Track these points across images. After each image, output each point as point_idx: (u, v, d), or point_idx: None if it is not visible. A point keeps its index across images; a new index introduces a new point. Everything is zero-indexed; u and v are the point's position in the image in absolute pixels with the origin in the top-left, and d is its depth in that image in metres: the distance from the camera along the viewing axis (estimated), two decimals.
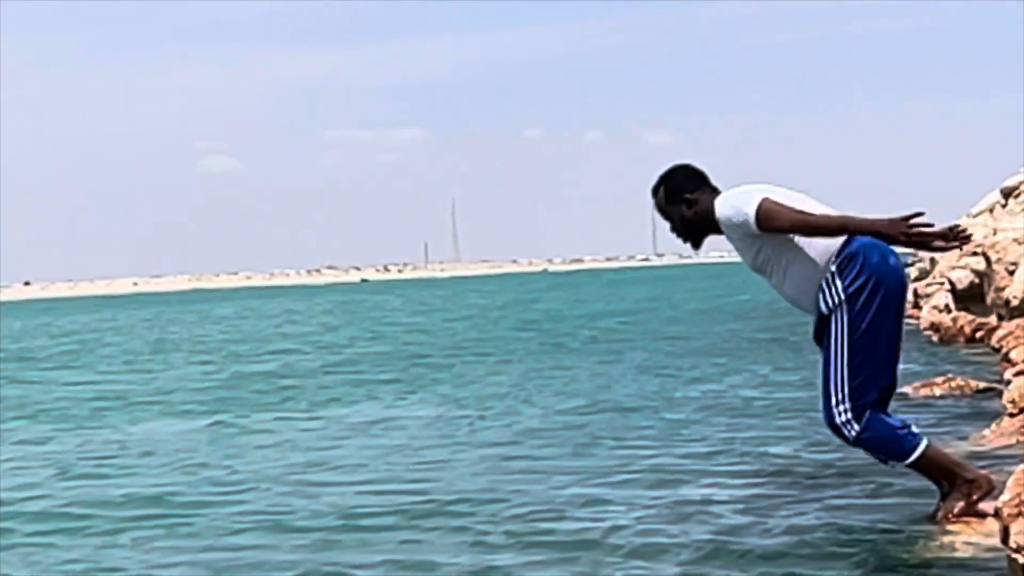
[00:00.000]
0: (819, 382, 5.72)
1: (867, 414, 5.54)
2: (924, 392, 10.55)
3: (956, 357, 14.05)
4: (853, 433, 5.57)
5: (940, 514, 5.65)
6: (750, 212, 5.51)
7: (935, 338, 16.14)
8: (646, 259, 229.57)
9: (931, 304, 17.84)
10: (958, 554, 5.25)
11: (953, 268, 17.04)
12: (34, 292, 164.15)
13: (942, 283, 18.05)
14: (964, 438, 8.09)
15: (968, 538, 5.43)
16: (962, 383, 10.73)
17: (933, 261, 21.66)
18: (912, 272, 25.79)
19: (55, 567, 5.86)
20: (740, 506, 6.50)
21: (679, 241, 5.92)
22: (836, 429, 5.62)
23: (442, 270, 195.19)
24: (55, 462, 9.34)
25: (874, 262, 5.54)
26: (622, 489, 7.19)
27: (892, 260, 5.63)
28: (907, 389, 10.68)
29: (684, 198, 5.77)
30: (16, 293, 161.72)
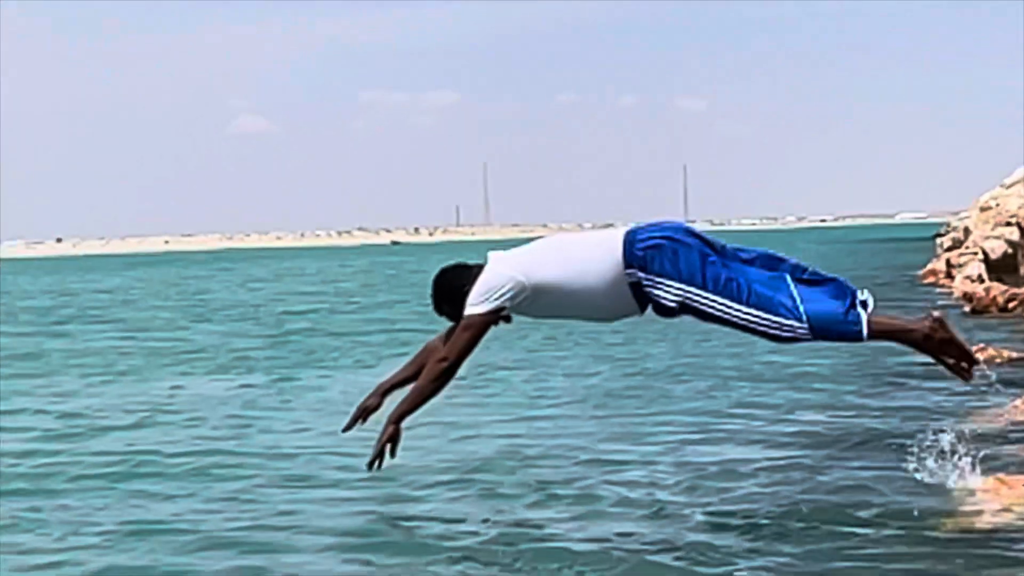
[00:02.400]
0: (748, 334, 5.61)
1: (796, 302, 5.45)
2: None
3: (989, 327, 13.95)
4: (800, 331, 5.48)
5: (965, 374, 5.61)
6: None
7: (968, 308, 16.03)
8: None
9: (964, 274, 17.70)
10: (984, 523, 5.20)
11: (987, 238, 16.91)
12: (66, 249, 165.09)
13: (975, 253, 17.91)
14: (997, 407, 8.01)
15: (997, 505, 5.37)
16: (995, 353, 10.64)
17: (967, 231, 21.49)
18: (945, 242, 25.64)
19: (99, 523, 5.84)
20: (760, 472, 6.46)
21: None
22: (791, 341, 5.52)
23: (473, 233, 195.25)
24: (100, 418, 9.32)
25: (654, 240, 5.54)
26: (640, 452, 7.16)
27: (643, 236, 5.58)
28: None
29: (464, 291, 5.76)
30: (48, 250, 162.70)
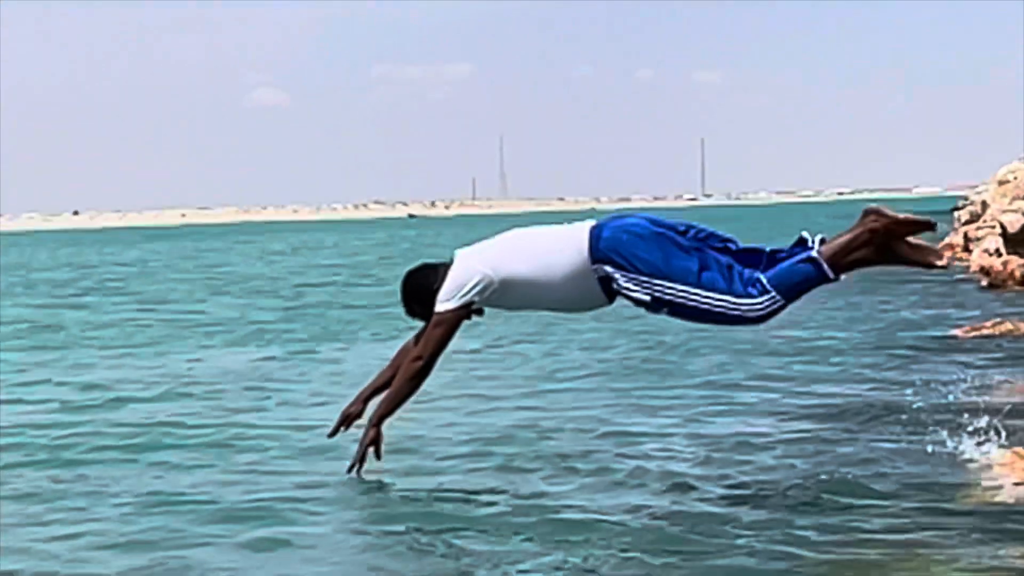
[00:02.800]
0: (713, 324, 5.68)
1: (755, 282, 5.46)
2: (974, 335, 10.44)
3: (1007, 300, 13.93)
4: (768, 301, 5.48)
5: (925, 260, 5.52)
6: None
7: (985, 282, 15.99)
8: (694, 199, 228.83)
9: (982, 248, 17.65)
10: (1000, 497, 5.21)
11: (1004, 212, 16.85)
12: (83, 222, 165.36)
13: (993, 227, 17.85)
14: (1013, 382, 8.02)
15: (1014, 479, 5.38)
16: (1012, 327, 10.63)
17: (984, 205, 21.43)
18: (962, 215, 25.55)
19: (119, 493, 5.88)
20: (777, 445, 6.47)
21: None
22: (767, 316, 5.53)
23: (489, 207, 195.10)
24: (119, 390, 9.36)
25: (617, 235, 5.59)
26: (657, 424, 7.19)
27: (607, 233, 5.64)
28: (957, 332, 10.59)
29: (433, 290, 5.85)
30: (65, 222, 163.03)
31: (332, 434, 6.10)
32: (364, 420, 6.00)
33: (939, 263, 5.50)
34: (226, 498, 5.68)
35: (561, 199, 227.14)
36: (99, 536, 5.14)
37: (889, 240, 5.47)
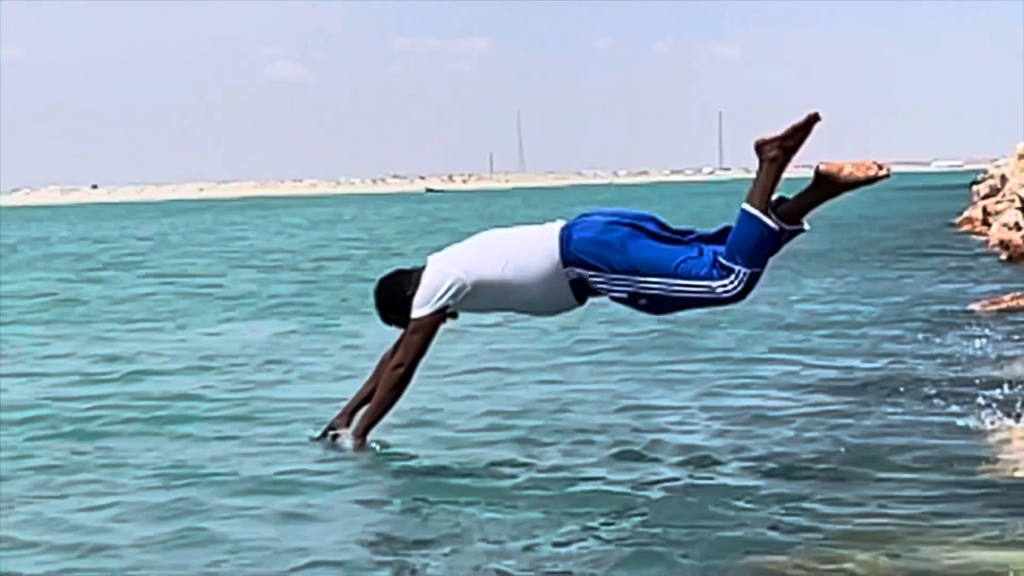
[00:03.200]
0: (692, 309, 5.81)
1: (717, 263, 5.46)
2: (992, 308, 10.43)
3: None
4: (737, 278, 5.46)
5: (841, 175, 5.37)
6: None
7: (1004, 256, 15.96)
8: (712, 172, 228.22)
9: (1001, 222, 17.60)
10: (1021, 472, 5.21)
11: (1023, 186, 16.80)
12: (101, 196, 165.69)
13: (1012, 201, 17.81)
14: None
15: None
16: None
17: (1004, 179, 21.36)
18: (981, 189, 25.47)
19: (141, 465, 5.91)
20: (797, 418, 6.49)
21: None
22: (744, 291, 5.51)
23: (507, 181, 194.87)
24: (140, 363, 9.40)
25: (585, 236, 5.62)
26: (676, 398, 7.21)
27: (576, 235, 5.66)
28: (975, 306, 10.58)
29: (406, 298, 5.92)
30: (84, 196, 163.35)
31: (317, 439, 6.15)
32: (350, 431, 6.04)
33: (881, 173, 5.38)
34: (248, 471, 5.72)
35: (579, 173, 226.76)
36: (121, 508, 5.18)
37: (791, 150, 5.39)
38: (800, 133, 5.42)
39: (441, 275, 5.81)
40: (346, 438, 5.99)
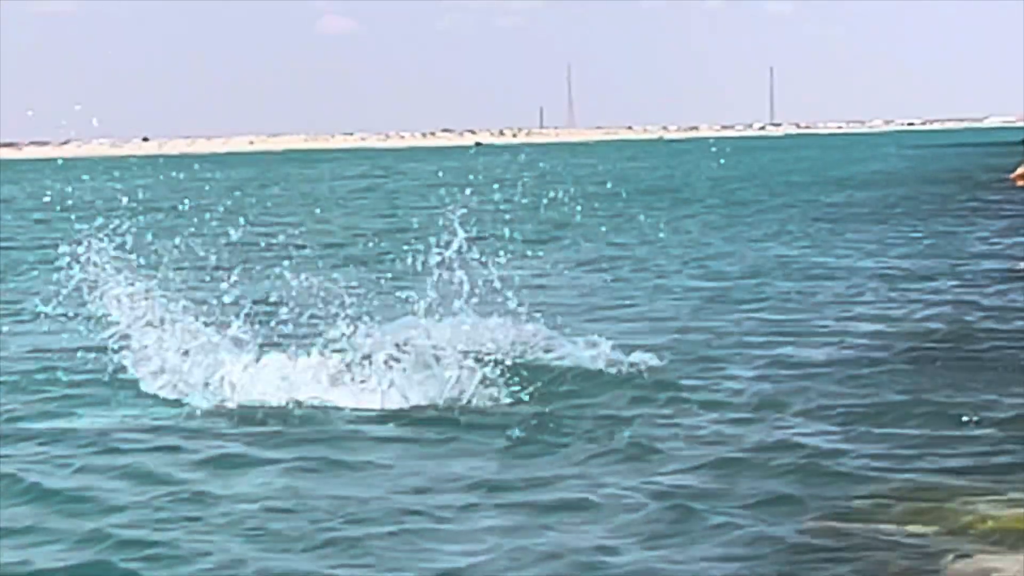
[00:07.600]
0: None
1: None
2: None
3: None
4: None
5: None
6: None
7: None
8: (763, 127, 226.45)
9: None
10: None
11: None
12: (152, 148, 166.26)
13: None
14: None
15: None
16: None
17: None
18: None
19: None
20: (863, 368, 6.56)
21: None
22: None
23: (556, 135, 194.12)
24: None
25: None
26: (735, 351, 7.26)
27: None
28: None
29: None
30: (135, 148, 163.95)
31: None
32: None
33: None
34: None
35: (629, 128, 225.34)
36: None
37: None
38: None
39: None
40: None
